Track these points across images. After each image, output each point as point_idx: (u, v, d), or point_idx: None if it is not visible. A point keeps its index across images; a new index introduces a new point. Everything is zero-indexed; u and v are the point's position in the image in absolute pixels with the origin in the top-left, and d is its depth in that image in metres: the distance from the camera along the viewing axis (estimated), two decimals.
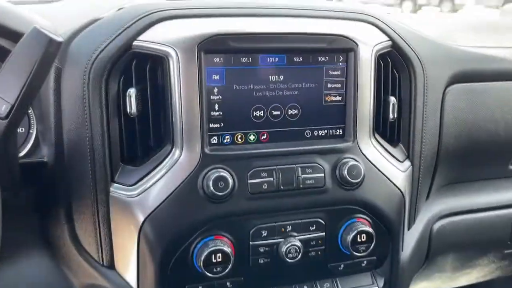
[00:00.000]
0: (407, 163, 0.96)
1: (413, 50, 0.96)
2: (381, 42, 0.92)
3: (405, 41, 0.95)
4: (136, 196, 0.78)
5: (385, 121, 0.95)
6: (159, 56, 0.77)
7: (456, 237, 1.16)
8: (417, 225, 1.05)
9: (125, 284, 0.83)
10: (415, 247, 1.06)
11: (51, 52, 0.66)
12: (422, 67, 0.97)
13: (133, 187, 0.79)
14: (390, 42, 0.91)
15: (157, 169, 0.79)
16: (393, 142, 0.96)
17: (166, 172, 0.78)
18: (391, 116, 0.93)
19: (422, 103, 0.98)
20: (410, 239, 1.06)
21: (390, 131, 0.96)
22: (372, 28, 0.92)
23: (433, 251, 1.10)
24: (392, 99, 0.94)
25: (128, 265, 0.82)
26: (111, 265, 0.85)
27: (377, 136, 0.92)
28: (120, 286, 0.83)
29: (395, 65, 0.94)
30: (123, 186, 0.80)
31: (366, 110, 0.88)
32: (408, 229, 1.05)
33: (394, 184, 0.92)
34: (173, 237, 0.79)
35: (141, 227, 0.78)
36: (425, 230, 1.08)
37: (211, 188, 0.77)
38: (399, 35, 0.94)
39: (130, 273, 0.83)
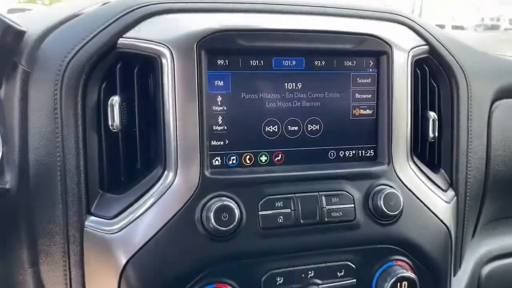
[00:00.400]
0: (451, 192, 0.84)
1: (453, 57, 0.84)
2: (417, 47, 0.79)
3: (444, 46, 0.83)
4: (117, 232, 0.66)
5: (423, 141, 0.84)
6: (150, 56, 0.67)
7: (510, 284, 1.00)
8: (463, 269, 0.92)
9: None
10: None
11: (9, 42, 0.52)
12: (465, 76, 0.85)
13: (113, 220, 0.67)
14: (427, 47, 0.81)
15: (144, 198, 0.67)
16: (433, 166, 0.85)
17: (155, 201, 0.66)
18: (430, 134, 0.82)
19: (466, 119, 0.85)
20: (457, 287, 0.90)
21: (429, 153, 0.85)
22: (406, 30, 0.80)
23: None
24: (432, 115, 0.82)
25: None
26: None
27: (415, 158, 0.81)
28: None
29: (433, 74, 0.85)
30: (102, 220, 0.67)
31: (402, 126, 0.77)
32: (454, 274, 0.89)
33: (439, 218, 0.79)
34: (163, 285, 0.66)
35: (122, 271, 0.65)
36: (473, 276, 0.95)
37: (212, 221, 0.65)
38: (437, 40, 0.82)
39: None
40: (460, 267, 0.91)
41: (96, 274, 0.68)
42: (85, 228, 0.67)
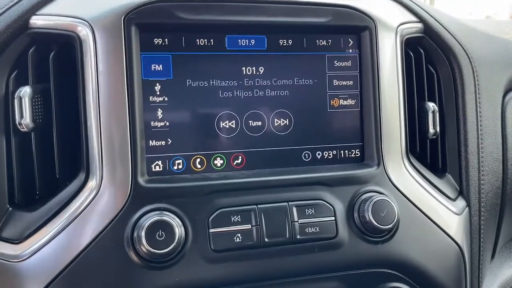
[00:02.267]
0: (461, 202, 0.73)
1: (454, 37, 0.73)
2: (408, 23, 0.69)
3: (441, 25, 0.72)
4: (26, 259, 0.55)
5: (423, 139, 0.72)
6: (68, 36, 0.57)
7: None
8: None
9: None
10: None
11: None
12: (470, 61, 0.74)
13: (22, 244, 0.56)
14: (420, 25, 0.71)
15: (62, 214, 0.56)
16: (436, 169, 0.74)
17: (74, 218, 0.55)
18: (431, 130, 0.71)
19: (474, 113, 0.73)
20: None
21: (431, 153, 0.74)
22: (394, 5, 0.70)
23: None
24: (432, 106, 0.71)
25: None
26: None
27: (412, 159, 0.69)
28: None
29: (430, 59, 0.74)
30: (7, 244, 0.56)
31: (394, 119, 0.66)
32: None
33: (446, 233, 0.68)
34: None
35: None
36: None
37: (144, 242, 0.53)
38: (432, 16, 0.72)
39: None
40: None
41: None
42: None
